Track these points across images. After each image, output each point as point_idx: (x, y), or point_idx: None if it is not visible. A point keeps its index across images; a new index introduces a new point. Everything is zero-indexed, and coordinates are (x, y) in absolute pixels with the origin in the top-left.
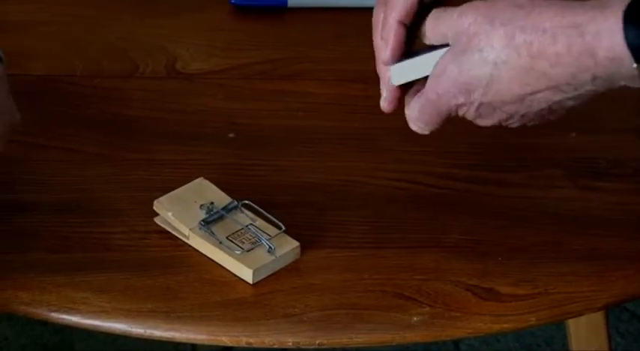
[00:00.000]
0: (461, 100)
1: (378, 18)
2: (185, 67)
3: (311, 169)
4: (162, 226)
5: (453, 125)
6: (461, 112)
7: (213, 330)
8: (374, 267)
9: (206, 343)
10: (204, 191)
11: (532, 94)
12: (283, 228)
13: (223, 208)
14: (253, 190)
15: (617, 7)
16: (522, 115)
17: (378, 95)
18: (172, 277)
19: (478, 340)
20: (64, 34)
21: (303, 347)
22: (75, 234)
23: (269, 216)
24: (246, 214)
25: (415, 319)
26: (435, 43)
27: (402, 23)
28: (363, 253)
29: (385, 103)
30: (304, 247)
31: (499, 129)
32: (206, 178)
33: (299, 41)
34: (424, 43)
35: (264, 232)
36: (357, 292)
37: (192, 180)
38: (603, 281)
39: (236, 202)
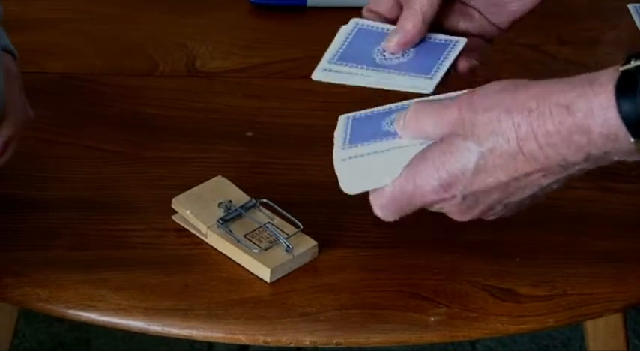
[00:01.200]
0: (441, 195)
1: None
2: (205, 65)
3: (329, 168)
4: (181, 224)
5: None
6: (437, 207)
7: (230, 328)
8: (391, 267)
9: (223, 341)
10: (223, 189)
11: (519, 179)
12: (301, 227)
13: (241, 207)
14: (271, 188)
15: (607, 81)
16: (505, 205)
17: (397, 95)
18: (190, 275)
19: (495, 340)
20: (85, 32)
21: (320, 346)
22: (93, 231)
23: (287, 215)
24: (264, 213)
25: (432, 319)
26: (413, 139)
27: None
28: (381, 252)
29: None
30: (322, 246)
31: None
32: (224, 176)
33: (318, 40)
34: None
35: (282, 231)
36: (374, 292)
37: (211, 178)
38: (622, 283)
39: (254, 201)
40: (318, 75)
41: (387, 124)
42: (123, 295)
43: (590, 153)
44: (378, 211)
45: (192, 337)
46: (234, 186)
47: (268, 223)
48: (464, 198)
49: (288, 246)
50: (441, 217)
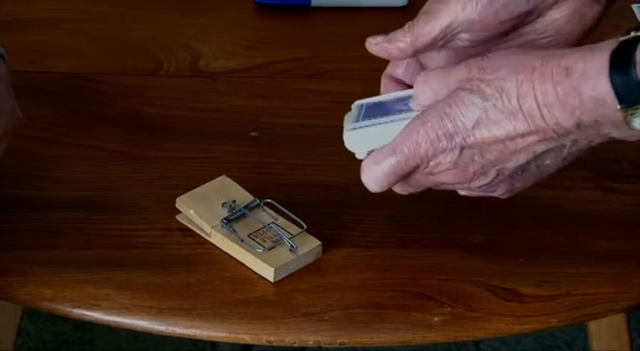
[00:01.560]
0: (442, 143)
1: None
2: (208, 65)
3: (334, 168)
4: (184, 223)
5: None
6: (435, 161)
7: (234, 328)
8: (395, 266)
9: (227, 341)
10: (227, 189)
11: (514, 139)
12: (305, 227)
13: (245, 207)
14: (275, 188)
15: (606, 47)
16: (498, 171)
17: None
18: (194, 274)
19: (498, 340)
20: (88, 32)
21: (324, 346)
22: (97, 231)
23: (291, 215)
24: (268, 213)
25: (436, 319)
26: (421, 101)
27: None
28: (385, 252)
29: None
30: (326, 246)
31: None
32: (228, 176)
33: (322, 40)
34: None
35: (286, 231)
36: (378, 292)
37: (215, 178)
38: (625, 283)
39: (258, 201)
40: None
41: (400, 105)
42: (127, 294)
43: (581, 118)
44: (369, 173)
45: (196, 337)
46: (238, 186)
47: (272, 223)
48: (461, 150)
49: (292, 246)
50: (445, 217)
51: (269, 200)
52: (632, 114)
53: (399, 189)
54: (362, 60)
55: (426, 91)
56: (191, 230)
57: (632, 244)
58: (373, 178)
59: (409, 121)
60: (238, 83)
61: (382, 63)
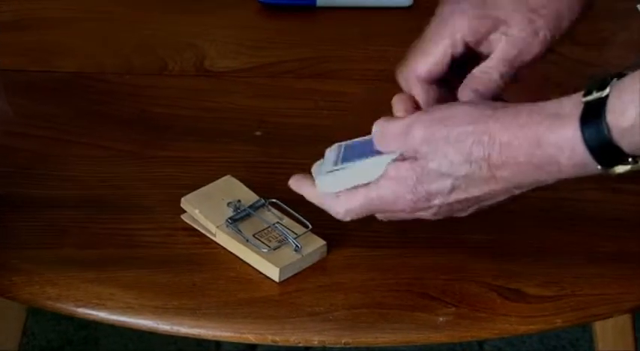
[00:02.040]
0: (418, 206)
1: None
2: (213, 65)
3: None
4: (190, 223)
5: None
6: (414, 215)
7: (239, 327)
8: (400, 266)
9: (232, 340)
10: (232, 189)
11: (491, 193)
12: (310, 227)
13: (250, 206)
14: (280, 188)
15: (572, 113)
16: (477, 208)
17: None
18: (199, 274)
19: (503, 341)
20: (95, 32)
21: (329, 346)
22: (103, 230)
23: (296, 214)
24: (273, 213)
25: (441, 319)
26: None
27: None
28: (390, 252)
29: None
30: (330, 246)
31: None
32: (233, 175)
33: (327, 40)
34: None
35: (291, 231)
36: (382, 292)
37: (220, 177)
38: (631, 284)
39: (263, 201)
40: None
41: (371, 146)
42: (132, 293)
43: (561, 178)
44: (343, 211)
45: (201, 337)
46: (243, 185)
47: (277, 222)
48: (439, 208)
49: (297, 246)
50: (451, 217)
51: (274, 200)
52: (613, 168)
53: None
54: (366, 60)
55: (385, 148)
56: (196, 230)
57: (637, 244)
58: (345, 212)
59: (377, 160)
60: (243, 83)
61: (386, 64)
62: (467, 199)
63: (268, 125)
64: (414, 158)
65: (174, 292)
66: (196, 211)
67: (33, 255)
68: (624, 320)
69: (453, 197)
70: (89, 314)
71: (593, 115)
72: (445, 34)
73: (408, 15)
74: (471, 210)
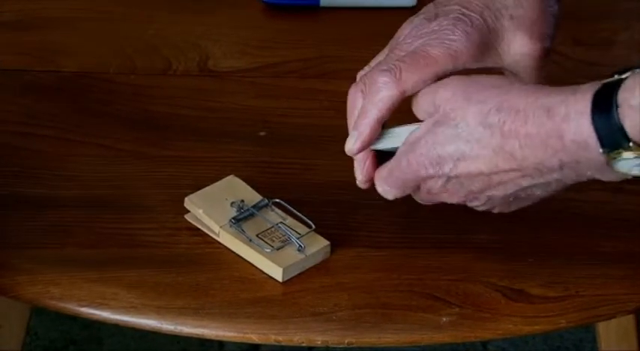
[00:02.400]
0: (430, 171)
1: (354, 99)
2: (217, 65)
3: (342, 167)
4: (193, 223)
5: None
6: (427, 185)
7: (242, 327)
8: (404, 267)
9: (235, 340)
10: (235, 189)
11: (498, 173)
12: (313, 227)
13: (254, 206)
14: (284, 188)
15: (588, 91)
16: (489, 197)
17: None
18: (202, 274)
19: (506, 341)
20: (98, 32)
21: (332, 346)
22: (106, 230)
23: (299, 214)
24: (277, 213)
25: (444, 319)
26: (418, 116)
27: (380, 121)
28: (393, 252)
29: (362, 184)
30: (334, 246)
31: None
32: (237, 175)
33: (331, 40)
34: None
35: (295, 231)
36: (386, 292)
37: (223, 177)
38: (635, 284)
39: (266, 200)
40: None
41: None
42: (135, 293)
43: (563, 160)
44: (378, 187)
45: (204, 336)
46: (246, 185)
47: (280, 222)
48: (448, 178)
49: (300, 246)
50: (454, 217)
51: (277, 200)
52: (614, 157)
53: (418, 199)
54: (370, 60)
55: (417, 108)
56: (199, 230)
57: None
58: (383, 192)
59: (413, 129)
60: (247, 83)
61: None
62: (474, 176)
63: (272, 125)
64: (433, 122)
65: (177, 291)
66: (200, 211)
67: (36, 255)
68: (628, 321)
69: (461, 167)
70: (92, 314)
71: (606, 93)
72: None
73: (411, 15)
74: (483, 199)
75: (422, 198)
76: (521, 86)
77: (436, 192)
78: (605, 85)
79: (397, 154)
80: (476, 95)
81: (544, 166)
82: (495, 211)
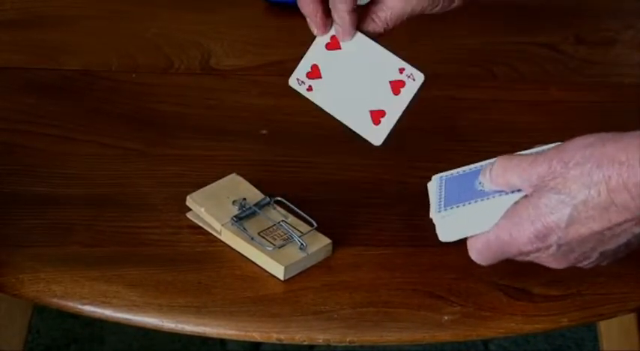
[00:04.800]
0: (537, 244)
1: None
2: (219, 63)
3: (344, 166)
4: (195, 221)
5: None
6: (531, 257)
7: (243, 325)
8: (405, 265)
9: (237, 338)
10: (237, 187)
11: (612, 228)
12: (315, 225)
13: (255, 205)
14: (286, 186)
15: None
16: (601, 253)
17: None
18: (204, 272)
19: (508, 340)
20: (100, 30)
21: (334, 344)
22: (108, 228)
23: (301, 213)
24: (279, 211)
25: (446, 318)
26: (496, 189)
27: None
28: (395, 251)
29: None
30: (336, 245)
31: (533, 131)
32: (239, 174)
33: None
34: None
35: (296, 229)
36: (388, 291)
37: (225, 176)
38: (636, 283)
39: (268, 199)
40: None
41: (480, 183)
42: (137, 291)
43: None
44: (473, 255)
45: (206, 335)
46: (248, 184)
47: (282, 221)
48: (559, 247)
49: (302, 244)
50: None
51: (279, 198)
52: None
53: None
54: None
55: (505, 182)
56: (201, 228)
57: None
58: (477, 261)
59: (495, 201)
60: (249, 81)
61: None
62: (586, 237)
63: (274, 123)
64: (533, 193)
65: (179, 290)
66: (202, 209)
67: (38, 253)
68: (629, 320)
69: (572, 232)
70: (94, 312)
71: None
72: None
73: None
74: (595, 255)
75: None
76: (615, 139)
77: (542, 261)
78: None
79: (497, 228)
80: (573, 159)
81: None
82: (604, 263)
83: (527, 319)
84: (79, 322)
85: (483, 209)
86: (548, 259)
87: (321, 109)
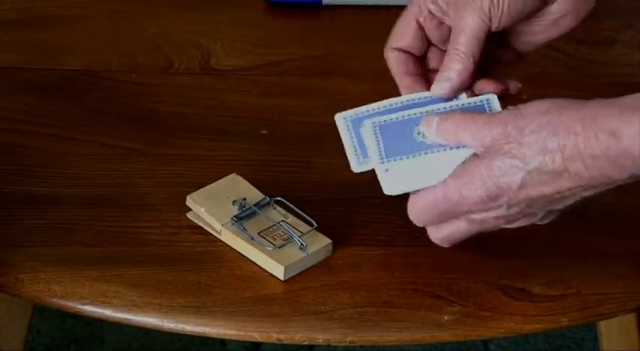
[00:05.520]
0: (488, 204)
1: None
2: (219, 63)
3: (344, 166)
4: (195, 221)
5: None
6: (478, 216)
7: (243, 325)
8: (405, 265)
9: (237, 338)
10: (237, 187)
11: (562, 192)
12: (315, 225)
13: (255, 204)
14: (286, 186)
15: None
16: (547, 212)
17: None
18: (204, 272)
19: (508, 340)
20: (101, 29)
21: (334, 344)
22: (108, 228)
23: (301, 213)
24: (279, 211)
25: (446, 318)
26: (447, 143)
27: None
28: (395, 251)
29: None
30: (336, 245)
31: None
32: (239, 174)
33: (333, 38)
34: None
35: (296, 229)
36: (388, 290)
37: (225, 176)
38: (636, 283)
39: (268, 199)
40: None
41: (420, 135)
42: (137, 291)
43: (634, 173)
44: (413, 215)
45: (206, 334)
46: (248, 184)
47: (282, 221)
48: (508, 207)
49: (302, 244)
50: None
51: (279, 198)
52: None
53: (437, 234)
54: (373, 58)
55: (455, 138)
56: (201, 228)
57: None
58: (417, 219)
59: (442, 155)
60: (249, 81)
61: None
62: (536, 199)
63: (274, 123)
64: (485, 154)
65: (179, 290)
66: (202, 209)
67: (38, 253)
68: (629, 319)
69: (523, 195)
70: (94, 312)
71: None
72: (413, 7)
73: None
74: (541, 214)
75: (456, 230)
76: (571, 108)
77: (488, 221)
78: None
79: (444, 186)
80: (528, 126)
81: (612, 179)
82: (546, 222)
83: (527, 319)
84: (79, 322)
85: (430, 163)
86: (495, 219)
87: (321, 109)
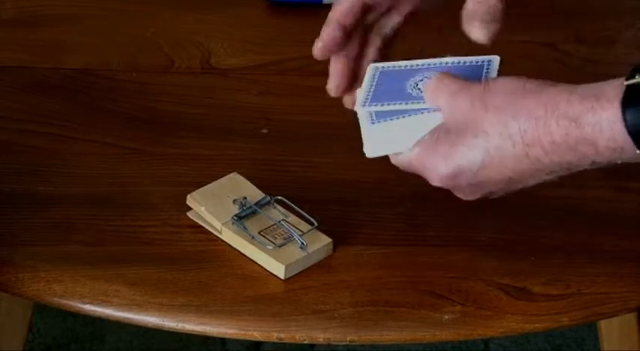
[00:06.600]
0: (446, 182)
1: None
2: (220, 62)
3: (344, 165)
4: (195, 220)
5: None
6: (442, 186)
7: (244, 324)
8: (406, 264)
9: (237, 337)
10: (238, 186)
11: (522, 175)
12: (316, 224)
13: (256, 204)
14: (286, 185)
15: (614, 96)
16: (506, 191)
17: None
18: (204, 271)
19: (508, 339)
20: (101, 29)
21: (334, 343)
22: (109, 227)
23: (302, 212)
24: (279, 210)
25: (446, 317)
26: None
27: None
28: (396, 250)
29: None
30: (336, 244)
31: None
32: (239, 173)
33: None
34: None
35: (297, 228)
36: (388, 290)
37: (226, 175)
38: (637, 282)
39: (269, 198)
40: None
41: (411, 85)
42: (138, 290)
43: (595, 161)
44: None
45: (206, 334)
46: (249, 183)
47: (283, 220)
48: (468, 185)
49: (302, 243)
50: (456, 216)
51: (280, 197)
52: None
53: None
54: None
55: (433, 99)
56: (202, 227)
57: None
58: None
59: (421, 118)
60: (249, 80)
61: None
62: (497, 180)
63: (274, 123)
64: (451, 129)
65: (179, 289)
66: (202, 208)
67: (38, 252)
68: (630, 319)
69: (482, 175)
70: (95, 311)
71: (635, 98)
72: None
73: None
74: (500, 192)
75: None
76: (535, 90)
77: (447, 188)
78: (629, 87)
79: (411, 154)
80: (492, 103)
81: (573, 165)
82: (503, 194)
83: (527, 318)
84: (79, 321)
85: (408, 126)
86: (455, 192)
87: (321, 109)
